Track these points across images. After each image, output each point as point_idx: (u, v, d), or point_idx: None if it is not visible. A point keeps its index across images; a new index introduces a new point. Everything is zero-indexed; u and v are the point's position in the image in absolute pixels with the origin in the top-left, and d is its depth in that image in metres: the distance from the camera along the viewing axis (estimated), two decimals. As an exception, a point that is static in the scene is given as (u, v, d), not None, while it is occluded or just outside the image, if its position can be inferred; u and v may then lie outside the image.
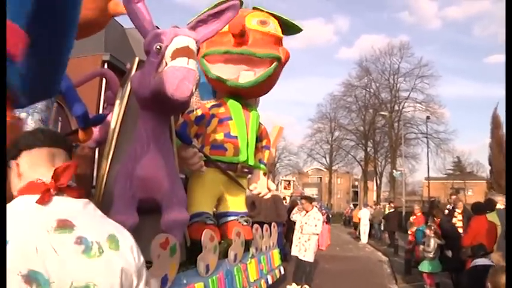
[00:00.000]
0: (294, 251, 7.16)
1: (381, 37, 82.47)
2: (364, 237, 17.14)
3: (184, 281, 3.04)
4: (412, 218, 9.68)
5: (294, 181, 23.69)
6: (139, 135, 2.86)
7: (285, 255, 8.43)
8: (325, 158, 40.50)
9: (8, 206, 1.09)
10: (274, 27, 4.53)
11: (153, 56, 2.61)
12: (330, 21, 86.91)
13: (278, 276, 5.76)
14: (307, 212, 7.15)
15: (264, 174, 4.92)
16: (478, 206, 5.98)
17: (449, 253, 6.64)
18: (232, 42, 4.26)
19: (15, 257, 0.96)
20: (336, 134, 38.85)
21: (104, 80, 10.59)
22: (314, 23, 70.59)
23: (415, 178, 43.78)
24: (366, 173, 37.70)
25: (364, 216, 17.54)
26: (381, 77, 36.01)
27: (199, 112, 4.25)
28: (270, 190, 5.08)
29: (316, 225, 6.88)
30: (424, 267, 6.87)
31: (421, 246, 7.03)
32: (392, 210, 15.96)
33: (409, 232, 9.51)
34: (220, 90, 4.70)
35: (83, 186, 2.37)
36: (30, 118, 2.85)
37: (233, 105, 4.36)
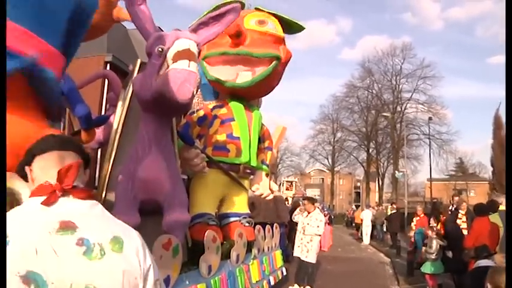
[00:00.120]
0: (296, 252, 7.14)
1: (384, 38, 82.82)
2: (366, 239, 17.10)
3: (187, 282, 3.06)
4: (415, 219, 9.64)
5: (296, 182, 23.64)
6: (141, 137, 2.87)
7: (287, 256, 8.40)
8: (327, 159, 40.54)
9: (17, 207, 1.12)
10: (273, 27, 4.49)
11: (155, 58, 2.62)
12: (333, 22, 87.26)
13: (280, 277, 5.77)
14: (309, 213, 7.13)
15: (266, 175, 4.91)
16: (481, 208, 5.95)
17: (449, 253, 6.61)
18: (230, 43, 4.26)
19: (15, 258, 0.96)
20: (338, 135, 38.94)
21: (106, 81, 10.63)
22: (316, 23, 70.88)
23: (417, 179, 43.71)
24: (368, 174, 37.54)
25: (366, 217, 17.51)
26: (383, 78, 36.05)
27: (201, 113, 4.24)
28: (272, 191, 5.07)
29: (318, 226, 6.86)
30: (427, 268, 6.84)
31: (423, 248, 7.01)
32: (394, 211, 15.97)
33: (410, 235, 9.51)
34: (220, 91, 4.71)
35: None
36: None
37: (235, 106, 4.36)
